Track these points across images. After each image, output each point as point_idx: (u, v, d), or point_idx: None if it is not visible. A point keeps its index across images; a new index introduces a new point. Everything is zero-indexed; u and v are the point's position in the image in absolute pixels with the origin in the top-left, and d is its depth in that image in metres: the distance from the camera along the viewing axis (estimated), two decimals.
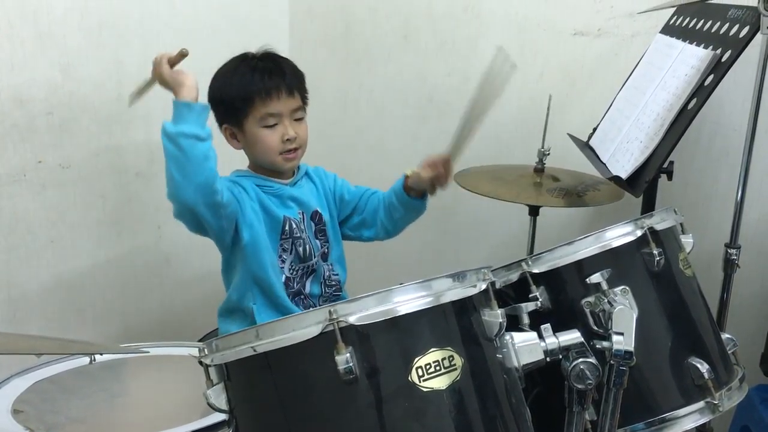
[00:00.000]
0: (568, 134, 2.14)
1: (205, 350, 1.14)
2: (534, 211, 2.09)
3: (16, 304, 2.09)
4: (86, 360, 1.58)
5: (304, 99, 1.80)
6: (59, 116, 2.07)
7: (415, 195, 1.80)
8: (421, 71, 2.50)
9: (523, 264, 1.39)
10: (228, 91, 1.75)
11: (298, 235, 1.77)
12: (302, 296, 1.80)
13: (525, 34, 2.35)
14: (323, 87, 2.62)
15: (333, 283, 1.85)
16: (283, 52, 2.56)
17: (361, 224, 1.92)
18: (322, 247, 1.84)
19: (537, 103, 2.12)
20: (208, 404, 1.14)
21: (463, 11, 2.39)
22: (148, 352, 1.52)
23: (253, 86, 1.71)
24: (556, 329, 1.26)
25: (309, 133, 1.81)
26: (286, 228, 1.76)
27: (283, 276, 1.77)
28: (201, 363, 1.14)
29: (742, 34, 1.58)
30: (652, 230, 1.38)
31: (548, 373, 1.27)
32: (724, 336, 1.50)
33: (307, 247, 1.79)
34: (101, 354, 1.52)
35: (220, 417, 1.23)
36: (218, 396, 1.14)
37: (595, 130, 2.09)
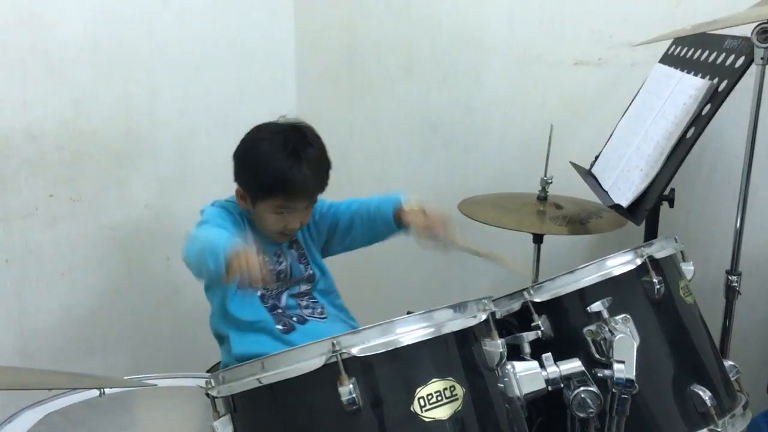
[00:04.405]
0: (570, 162, 2.16)
1: (212, 382, 1.16)
2: (538, 239, 2.11)
3: (28, 336, 2.12)
4: (97, 392, 1.60)
5: (322, 192, 1.81)
6: (70, 151, 2.12)
7: (400, 225, 1.80)
8: (425, 103, 2.53)
9: (525, 293, 1.41)
10: (257, 171, 1.74)
11: (271, 267, 1.78)
12: (279, 309, 1.80)
13: (526, 65, 2.38)
14: (329, 119, 2.65)
15: (303, 290, 1.87)
16: (290, 85, 2.64)
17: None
18: (306, 271, 1.86)
19: (539, 132, 2.14)
20: None
21: (465, 44, 2.43)
22: (156, 384, 1.53)
23: (283, 184, 1.70)
24: (559, 357, 1.28)
25: None
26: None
27: (259, 291, 1.77)
28: (208, 395, 1.16)
29: (737, 65, 1.61)
30: (651, 258, 1.40)
31: (552, 401, 1.28)
32: (727, 363, 1.51)
33: (275, 272, 1.80)
34: (108, 388, 1.53)
35: None
36: (225, 427, 1.16)
37: (597, 158, 2.11)
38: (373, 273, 2.56)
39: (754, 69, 1.60)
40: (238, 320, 1.74)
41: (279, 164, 1.70)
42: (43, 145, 2.06)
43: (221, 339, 1.81)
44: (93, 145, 2.16)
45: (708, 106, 1.63)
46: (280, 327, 1.76)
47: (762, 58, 1.54)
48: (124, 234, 2.27)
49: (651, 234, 1.89)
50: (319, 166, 1.77)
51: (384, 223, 1.82)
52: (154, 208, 2.32)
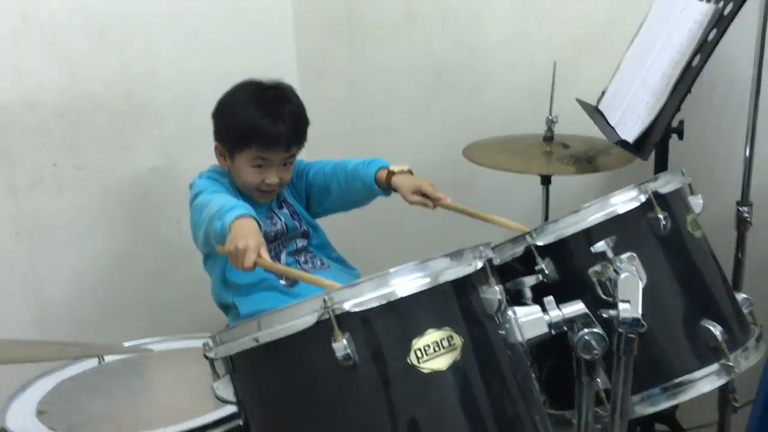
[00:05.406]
0: (576, 99, 2.10)
1: (210, 344, 1.15)
2: (546, 180, 2.07)
3: (45, 306, 2.14)
4: (107, 357, 1.61)
5: (300, 147, 1.83)
6: (70, 118, 2.10)
7: (384, 186, 1.81)
8: (427, 47, 2.47)
9: (528, 237, 1.38)
10: (231, 122, 1.78)
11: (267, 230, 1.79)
12: None
13: (529, 1, 2.31)
14: (330, 70, 2.61)
15: (300, 247, 1.88)
16: (288, 38, 2.59)
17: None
18: (301, 227, 1.88)
19: (545, 71, 2.08)
20: (216, 397, 1.16)
21: None
22: (152, 350, 1.54)
23: (256, 132, 1.73)
24: (566, 300, 1.24)
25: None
26: None
27: None
28: (206, 357, 1.16)
29: None
30: (656, 194, 1.36)
31: (562, 343, 1.26)
32: (740, 296, 1.47)
33: (272, 233, 1.81)
34: (103, 355, 1.54)
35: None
36: (225, 388, 1.16)
37: (603, 93, 2.05)
38: (386, 222, 2.53)
39: None
40: (241, 285, 1.74)
41: (252, 113, 1.74)
42: (42, 114, 2.05)
43: (226, 308, 1.82)
44: (93, 111, 2.15)
45: (714, 32, 1.57)
46: (283, 282, 1.75)
47: None
48: (132, 199, 2.27)
49: (661, 168, 1.84)
50: (295, 120, 1.77)
51: (363, 185, 1.82)
52: (160, 170, 2.30)
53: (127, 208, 2.26)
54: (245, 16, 2.45)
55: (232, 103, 1.80)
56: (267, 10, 2.53)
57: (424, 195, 1.75)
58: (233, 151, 1.78)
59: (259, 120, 1.73)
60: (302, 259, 1.86)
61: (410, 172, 1.81)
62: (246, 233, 1.44)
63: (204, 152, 2.34)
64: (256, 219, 1.51)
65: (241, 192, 1.82)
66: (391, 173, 1.79)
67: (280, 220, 1.84)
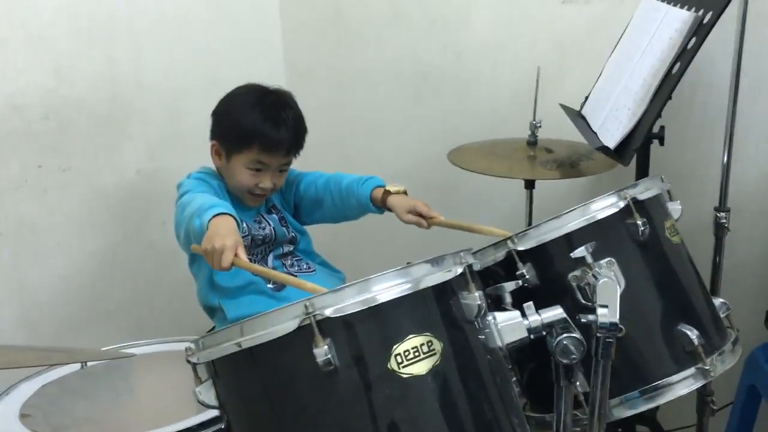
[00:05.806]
0: (560, 104, 2.12)
1: (192, 348, 1.16)
2: (529, 185, 2.08)
3: (29, 308, 2.13)
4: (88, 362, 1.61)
5: (297, 155, 1.85)
6: (56, 119, 2.10)
7: (379, 205, 1.84)
8: (414, 50, 2.48)
9: (509, 242, 1.39)
10: (233, 123, 1.79)
11: (246, 233, 1.80)
12: None
13: (515, 6, 2.32)
14: (317, 72, 2.63)
15: (286, 251, 1.89)
16: (276, 39, 2.60)
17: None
18: (289, 234, 1.90)
19: (529, 76, 2.10)
20: (198, 401, 1.16)
21: None
22: (134, 354, 1.54)
23: (258, 136, 1.74)
24: (546, 305, 1.26)
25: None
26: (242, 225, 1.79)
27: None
28: (189, 362, 1.17)
29: None
30: (635, 200, 1.38)
31: (542, 347, 1.28)
32: (717, 301, 1.49)
33: (260, 237, 1.83)
34: (86, 362, 1.54)
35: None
36: (208, 392, 1.16)
37: (587, 98, 2.07)
38: (374, 227, 2.54)
39: None
40: (228, 288, 1.75)
41: (257, 116, 1.75)
42: (27, 116, 2.05)
43: (212, 311, 1.82)
44: (79, 113, 2.14)
45: (693, 40, 1.59)
46: (270, 286, 1.76)
47: None
48: (118, 201, 2.27)
49: (643, 173, 1.86)
50: (296, 126, 1.79)
51: (358, 203, 1.85)
52: (145, 173, 2.31)
53: (113, 210, 2.26)
54: (232, 18, 2.46)
55: (235, 104, 1.81)
56: (254, 12, 2.53)
57: (419, 214, 1.77)
58: (232, 151, 1.78)
59: (262, 123, 1.75)
60: (288, 262, 1.87)
61: (405, 192, 1.83)
62: (224, 232, 1.44)
63: (190, 154, 2.35)
64: (235, 218, 1.51)
65: (231, 194, 1.83)
66: (387, 193, 1.81)
67: (269, 225, 1.85)
